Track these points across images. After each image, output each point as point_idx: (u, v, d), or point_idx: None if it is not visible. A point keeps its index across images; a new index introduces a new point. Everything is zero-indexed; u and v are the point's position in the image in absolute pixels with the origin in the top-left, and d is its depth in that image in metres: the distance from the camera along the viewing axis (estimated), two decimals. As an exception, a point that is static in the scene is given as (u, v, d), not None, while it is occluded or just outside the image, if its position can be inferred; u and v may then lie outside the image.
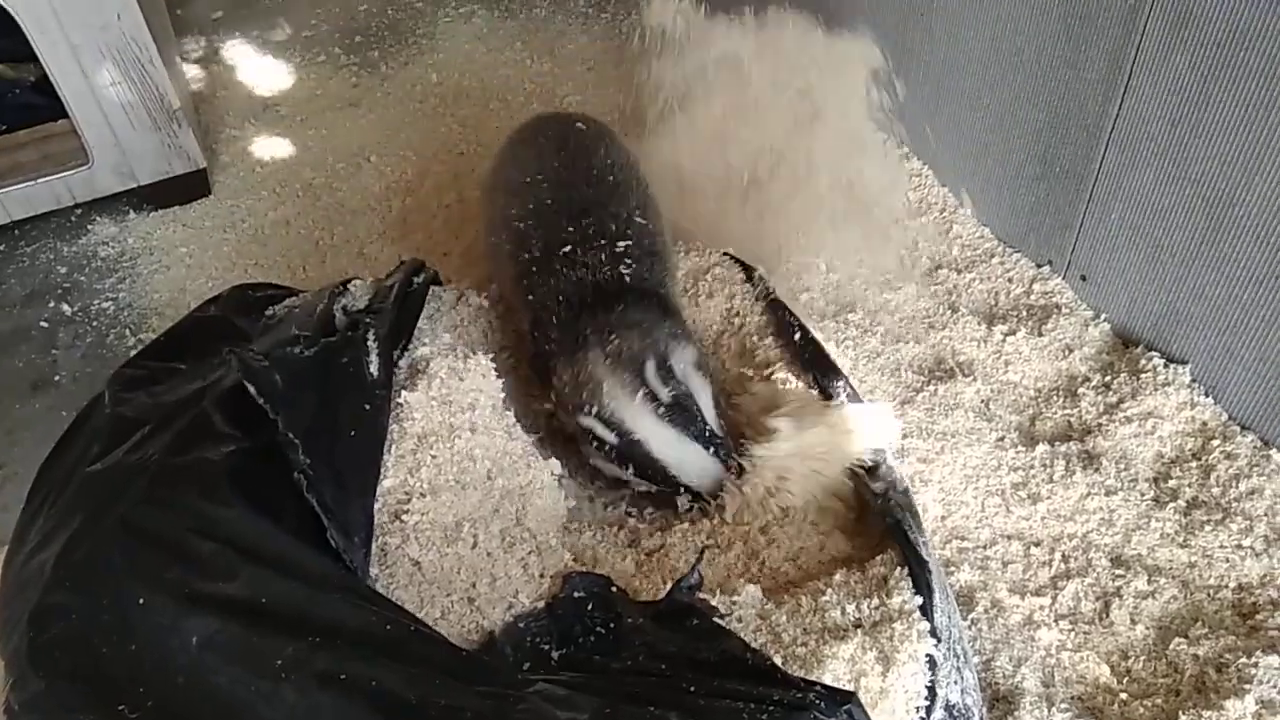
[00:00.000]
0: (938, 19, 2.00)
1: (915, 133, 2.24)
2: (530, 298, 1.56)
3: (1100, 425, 1.68)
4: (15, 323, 2.20)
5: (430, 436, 1.24)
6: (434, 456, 1.25)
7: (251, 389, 1.01)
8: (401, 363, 1.34)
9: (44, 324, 2.19)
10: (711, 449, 1.44)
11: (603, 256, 1.53)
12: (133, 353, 2.06)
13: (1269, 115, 1.44)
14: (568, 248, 1.54)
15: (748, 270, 1.76)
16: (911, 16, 2.06)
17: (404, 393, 1.25)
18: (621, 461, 1.44)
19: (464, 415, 1.33)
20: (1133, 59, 1.62)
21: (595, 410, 1.41)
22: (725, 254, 1.81)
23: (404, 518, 1.19)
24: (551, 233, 1.58)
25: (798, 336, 1.60)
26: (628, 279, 1.53)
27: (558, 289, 1.52)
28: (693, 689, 0.85)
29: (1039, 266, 1.98)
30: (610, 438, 1.41)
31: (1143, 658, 1.41)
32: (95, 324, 2.18)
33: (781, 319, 1.64)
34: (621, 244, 1.55)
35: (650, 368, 1.42)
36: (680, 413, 1.42)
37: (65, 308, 2.22)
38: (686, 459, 1.43)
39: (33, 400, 2.04)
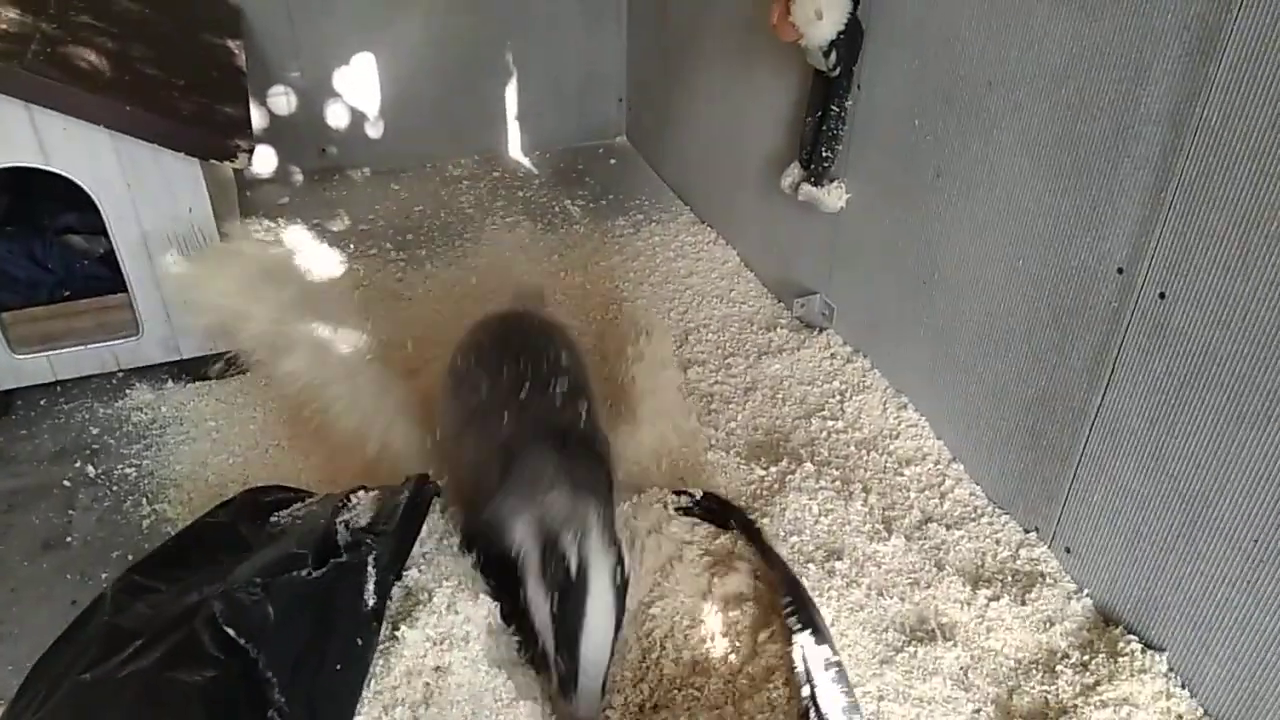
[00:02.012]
0: (939, 289, 2.14)
1: (914, 387, 2.35)
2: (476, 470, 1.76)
3: (1076, 707, 1.68)
4: (40, 479, 2.29)
5: (415, 674, 1.28)
6: (415, 694, 1.29)
7: (231, 631, 1.08)
8: (396, 588, 1.39)
9: (66, 483, 2.28)
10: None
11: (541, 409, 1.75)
12: (145, 522, 2.16)
13: (1238, 429, 1.52)
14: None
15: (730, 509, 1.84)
16: (915, 285, 2.21)
17: (402, 627, 1.31)
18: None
19: (453, 654, 1.36)
20: (1115, 356, 1.72)
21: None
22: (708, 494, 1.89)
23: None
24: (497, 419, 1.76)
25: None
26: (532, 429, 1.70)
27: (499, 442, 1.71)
28: None
29: (1026, 532, 2.02)
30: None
31: None
32: (115, 489, 2.27)
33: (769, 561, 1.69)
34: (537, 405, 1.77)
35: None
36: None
37: (90, 469, 2.31)
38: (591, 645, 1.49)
39: (41, 559, 2.11)
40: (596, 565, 1.50)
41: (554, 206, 3.37)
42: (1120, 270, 1.68)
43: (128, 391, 2.53)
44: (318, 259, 3.04)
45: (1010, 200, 1.89)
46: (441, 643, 1.32)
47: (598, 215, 3.31)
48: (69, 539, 2.15)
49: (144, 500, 2.23)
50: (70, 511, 2.21)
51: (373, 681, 1.23)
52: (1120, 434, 1.75)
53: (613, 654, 1.56)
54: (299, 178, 3.49)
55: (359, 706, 1.19)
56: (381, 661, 1.26)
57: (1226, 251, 1.48)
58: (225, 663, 1.09)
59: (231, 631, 1.08)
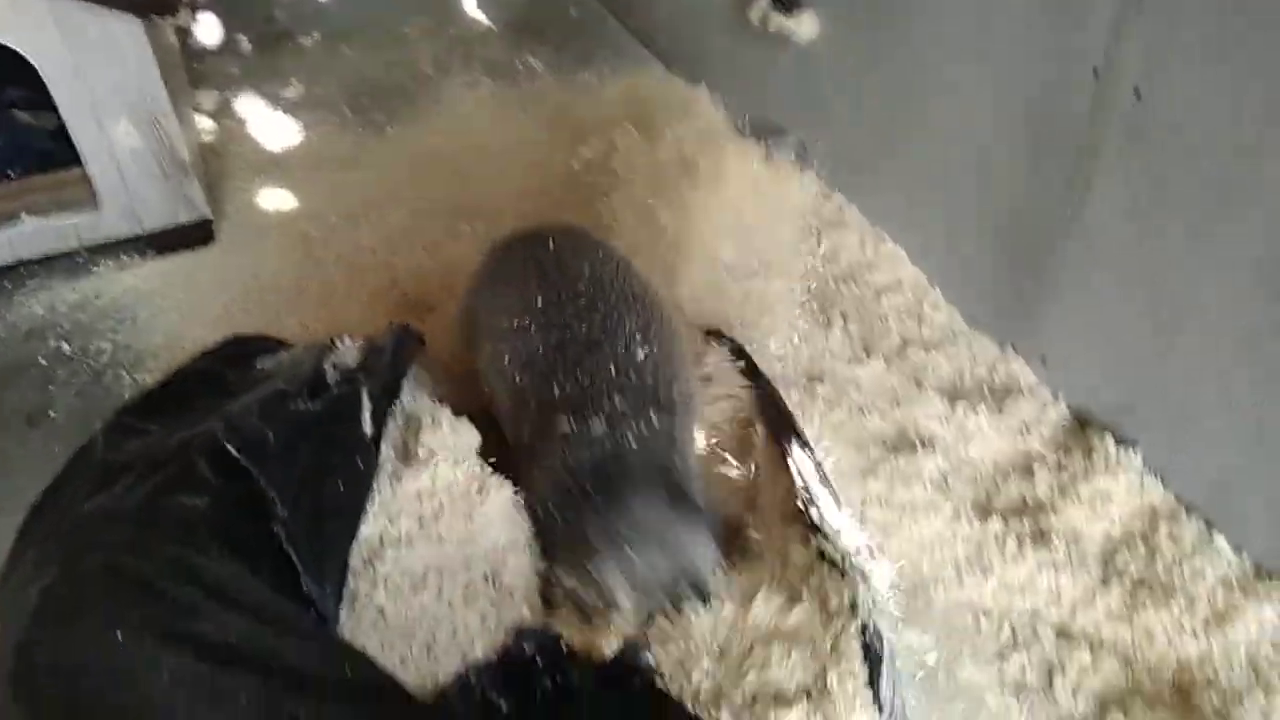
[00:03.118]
0: (913, 115, 2.12)
1: (891, 219, 2.34)
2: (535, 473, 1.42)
3: (1053, 503, 1.75)
4: (14, 358, 2.27)
5: (418, 491, 1.31)
6: (416, 508, 1.32)
7: (231, 448, 1.09)
8: (390, 421, 1.40)
9: (42, 360, 2.26)
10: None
11: (600, 422, 1.37)
12: (127, 393, 2.15)
13: (1215, 226, 1.53)
14: (564, 416, 1.39)
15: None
16: (890, 113, 2.18)
17: (388, 447, 1.32)
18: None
19: (454, 470, 1.38)
20: (1092, 162, 1.72)
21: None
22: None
23: (376, 565, 1.25)
24: (545, 393, 1.44)
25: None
26: (629, 453, 1.36)
27: (553, 470, 1.37)
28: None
29: (1003, 348, 2.06)
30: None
31: (1082, 731, 1.46)
32: (92, 363, 2.25)
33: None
34: (619, 400, 1.40)
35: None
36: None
37: (65, 346, 2.29)
38: None
39: (27, 435, 2.10)
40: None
41: (515, 62, 3.26)
42: (1095, 72, 1.66)
43: (94, 269, 2.48)
44: (272, 129, 2.96)
45: (981, 10, 1.84)
46: (439, 460, 1.34)
47: (561, 68, 3.21)
48: (52, 413, 2.14)
49: (122, 372, 2.22)
50: (50, 387, 2.20)
51: (376, 497, 1.26)
52: (1097, 240, 1.76)
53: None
54: (247, 47, 3.36)
55: (363, 519, 1.21)
56: (385, 479, 1.28)
57: (1204, 40, 1.46)
58: (225, 488, 1.11)
59: (233, 450, 1.09)
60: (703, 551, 1.31)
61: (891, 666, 1.27)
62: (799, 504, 1.41)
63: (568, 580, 1.30)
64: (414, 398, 1.47)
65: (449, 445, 1.40)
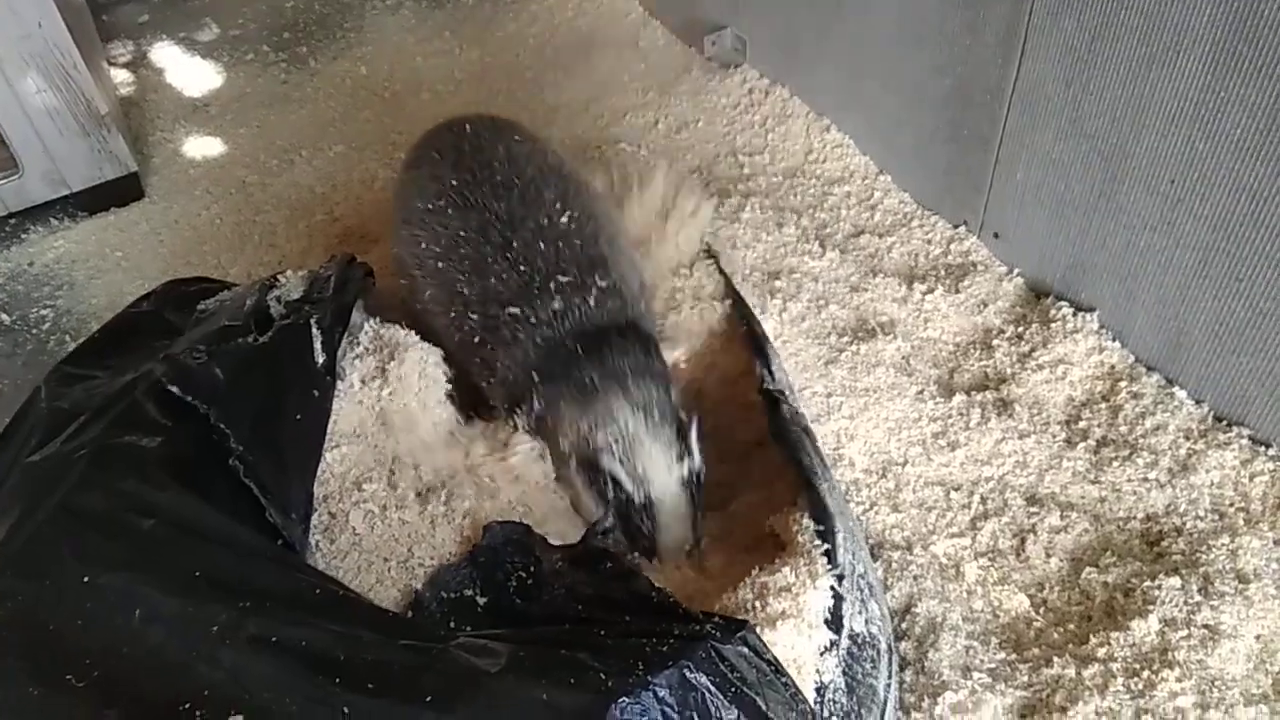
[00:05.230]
0: (848, -4, 2.07)
1: (835, 107, 2.31)
2: (490, 349, 1.47)
3: (1014, 374, 1.76)
4: (-47, 334, 2.20)
5: (384, 413, 1.30)
6: (387, 435, 1.31)
7: (176, 389, 1.06)
8: (346, 349, 1.38)
9: (-17, 334, 2.19)
10: (696, 531, 1.42)
11: (557, 299, 1.45)
12: (74, 357, 2.10)
13: (1150, 71, 1.52)
14: (516, 308, 1.45)
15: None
16: (825, -4, 2.14)
17: (354, 375, 1.31)
18: (621, 510, 1.37)
19: (414, 393, 1.39)
20: (1026, 22, 1.69)
21: (621, 458, 1.36)
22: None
23: (364, 487, 1.24)
24: (486, 289, 1.48)
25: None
26: (610, 316, 1.47)
27: (531, 337, 1.44)
28: (602, 631, 0.91)
29: (955, 227, 2.06)
30: (629, 486, 1.35)
31: (1057, 588, 1.49)
32: (34, 332, 2.19)
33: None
34: (561, 277, 1.47)
35: (693, 432, 1.40)
36: (696, 488, 1.41)
37: (4, 317, 2.22)
38: (676, 530, 1.39)
39: (-25, 410, 2.05)
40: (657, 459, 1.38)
41: (437, -19, 3.15)
42: (1026, -71, 1.63)
43: (23, 236, 2.40)
44: (192, 74, 2.84)
45: (909, -123, 1.80)
46: (394, 385, 1.32)
47: (486, -17, 3.11)
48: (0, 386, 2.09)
49: (67, 338, 2.16)
50: (-6, 361, 2.14)
51: (336, 422, 1.24)
52: (1037, 105, 1.75)
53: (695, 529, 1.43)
54: (155, -8, 3.21)
55: (325, 445, 1.20)
56: (353, 407, 1.27)
57: (1131, -117, 1.43)
58: (176, 426, 1.08)
59: (177, 390, 1.06)
60: (668, 384, 1.47)
61: (849, 534, 1.27)
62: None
63: (582, 424, 1.38)
64: (380, 323, 1.45)
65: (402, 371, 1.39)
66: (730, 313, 1.71)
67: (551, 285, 1.46)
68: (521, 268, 1.47)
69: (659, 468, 1.37)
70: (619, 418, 1.38)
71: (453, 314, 1.51)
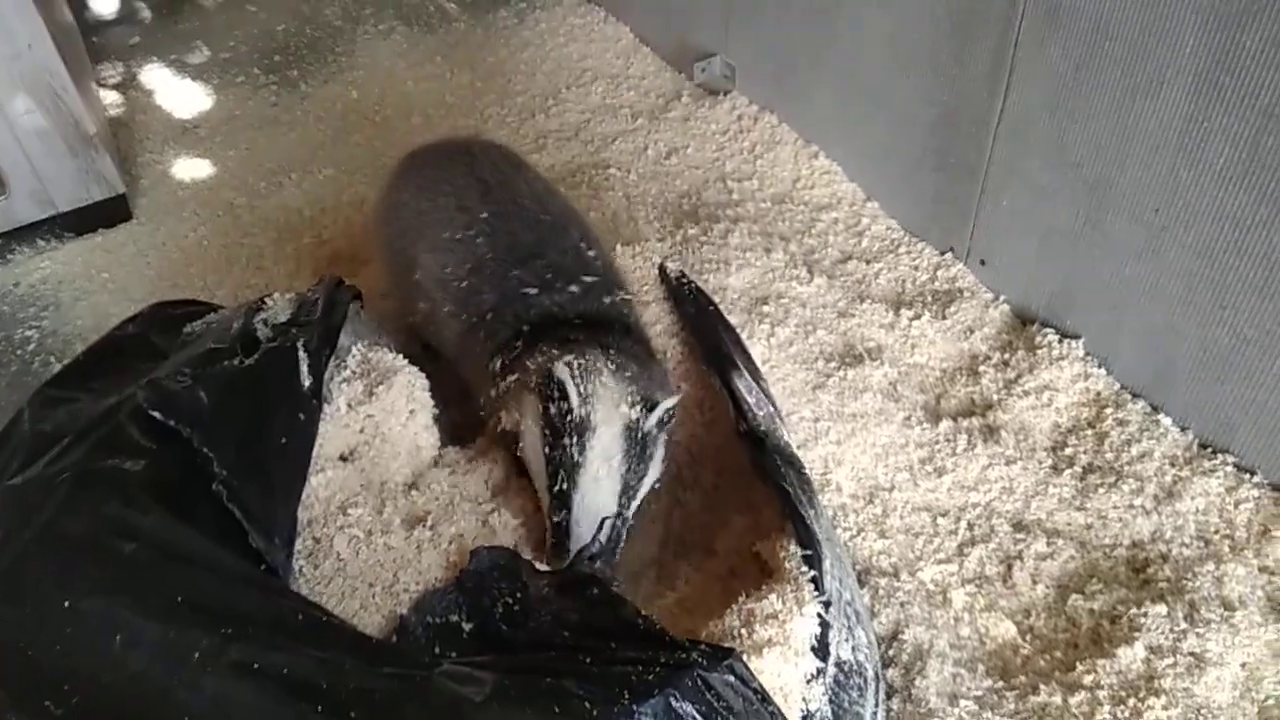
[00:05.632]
0: (840, 26, 2.10)
1: (824, 134, 2.33)
2: (488, 344, 1.53)
3: (1000, 400, 1.77)
4: (-62, 354, 2.18)
5: (371, 438, 1.29)
6: (374, 460, 1.31)
7: (156, 412, 1.05)
8: (337, 371, 1.38)
9: (-33, 355, 2.18)
10: (618, 521, 1.37)
11: (568, 297, 1.54)
12: (58, 378, 2.08)
13: (1134, 101, 1.54)
14: (527, 291, 1.54)
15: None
16: (816, 25, 2.16)
17: (341, 399, 1.30)
18: (556, 422, 1.34)
19: (402, 418, 1.39)
20: (1012, 53, 1.72)
21: (576, 376, 1.35)
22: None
23: (349, 512, 1.24)
24: (501, 283, 1.57)
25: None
26: (599, 313, 1.54)
27: (518, 334, 1.50)
28: (588, 659, 0.91)
29: (942, 254, 2.07)
30: (573, 398, 1.33)
31: (1044, 615, 1.49)
32: (19, 353, 2.17)
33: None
34: (578, 287, 1.56)
35: (661, 407, 1.39)
36: (639, 451, 1.37)
37: (-12, 338, 2.21)
38: (600, 472, 1.34)
39: (-42, 431, 2.03)
40: (605, 410, 1.36)
41: (428, 6, 3.17)
42: (1011, -38, 1.65)
43: (9, 256, 2.39)
44: (182, 96, 2.85)
45: (896, -91, 1.82)
46: (390, 411, 1.32)
47: (476, 9, 3.13)
48: (-18, 408, 2.07)
49: (52, 359, 2.14)
50: (-23, 381, 2.12)
51: (322, 446, 1.23)
52: (1023, 133, 1.77)
53: (630, 505, 1.40)
54: (146, 14, 3.23)
55: (310, 469, 1.19)
56: (340, 431, 1.26)
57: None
58: (160, 450, 1.07)
59: (159, 415, 1.05)
60: (659, 372, 1.55)
61: (836, 561, 1.27)
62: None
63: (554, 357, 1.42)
64: (368, 347, 1.45)
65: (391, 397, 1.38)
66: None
67: (570, 289, 1.57)
68: (547, 276, 1.58)
69: (609, 401, 1.36)
70: (589, 354, 1.41)
71: (466, 317, 1.59)
